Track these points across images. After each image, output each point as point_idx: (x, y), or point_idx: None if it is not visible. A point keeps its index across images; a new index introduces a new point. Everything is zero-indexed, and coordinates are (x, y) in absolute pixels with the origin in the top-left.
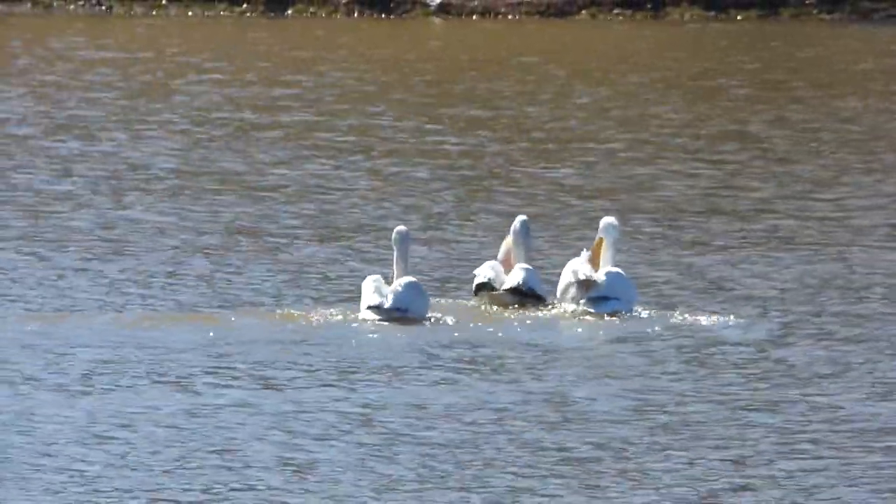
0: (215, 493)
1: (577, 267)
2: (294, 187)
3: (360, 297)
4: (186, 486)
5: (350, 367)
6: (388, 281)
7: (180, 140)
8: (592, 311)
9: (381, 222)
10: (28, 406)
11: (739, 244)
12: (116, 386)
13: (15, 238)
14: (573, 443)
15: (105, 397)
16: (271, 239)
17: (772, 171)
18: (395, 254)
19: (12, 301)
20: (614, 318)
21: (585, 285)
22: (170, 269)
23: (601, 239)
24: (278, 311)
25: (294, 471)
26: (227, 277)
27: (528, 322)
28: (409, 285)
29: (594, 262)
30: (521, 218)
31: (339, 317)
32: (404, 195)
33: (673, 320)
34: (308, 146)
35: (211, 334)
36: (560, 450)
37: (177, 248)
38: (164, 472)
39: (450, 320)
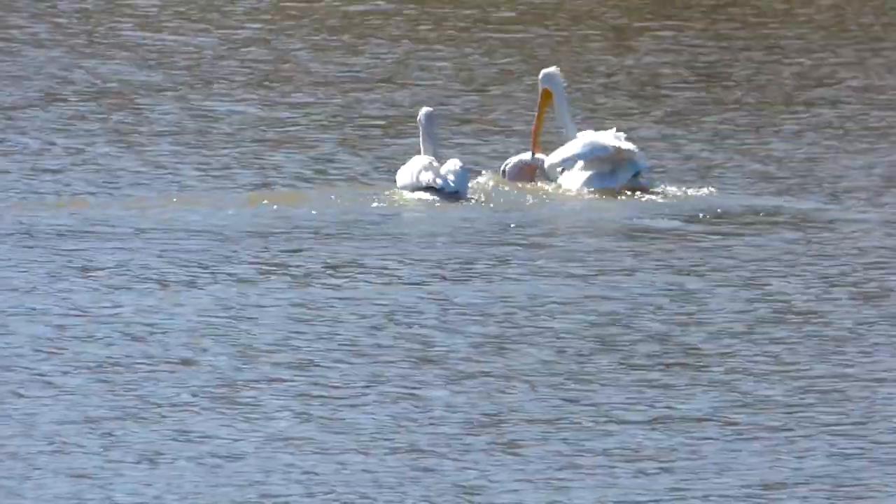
0: (343, 389)
1: (610, 140)
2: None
3: (400, 174)
4: (311, 378)
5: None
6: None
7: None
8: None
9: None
10: (142, 301)
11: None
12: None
13: (107, 132)
14: (689, 338)
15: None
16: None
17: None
18: (421, 135)
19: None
20: (660, 194)
21: (622, 155)
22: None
23: (546, 91)
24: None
25: (419, 361)
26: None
27: (571, 201)
28: (464, 168)
29: (538, 119)
30: None
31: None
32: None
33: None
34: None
35: (311, 212)
36: (679, 345)
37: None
38: (287, 363)
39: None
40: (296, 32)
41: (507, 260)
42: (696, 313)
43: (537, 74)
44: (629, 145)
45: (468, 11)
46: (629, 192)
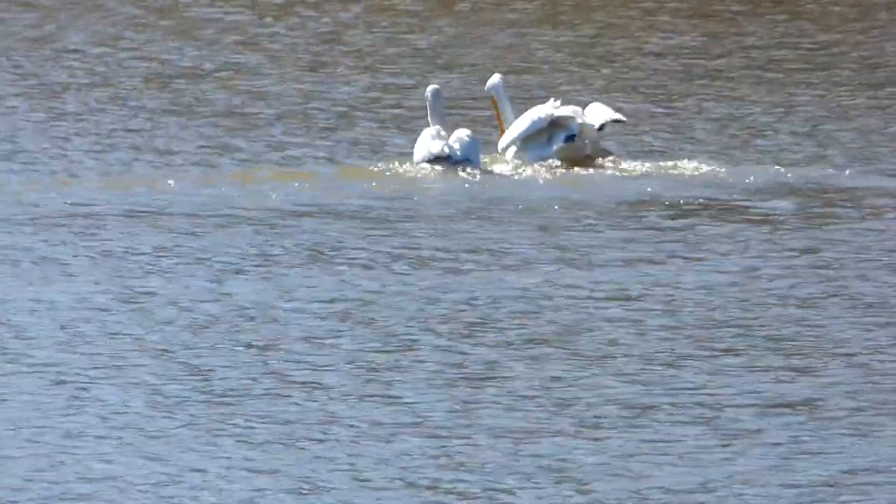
0: (424, 371)
1: (546, 110)
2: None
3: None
4: (390, 362)
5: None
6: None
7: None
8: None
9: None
10: (190, 285)
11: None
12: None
13: (158, 110)
14: (772, 322)
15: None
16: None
17: None
18: (428, 110)
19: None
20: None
21: (559, 122)
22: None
23: (493, 98)
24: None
25: (498, 344)
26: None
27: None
28: (472, 138)
29: (499, 122)
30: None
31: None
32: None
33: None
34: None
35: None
36: (761, 329)
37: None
38: (365, 348)
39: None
40: (351, 10)
41: (568, 245)
42: (779, 297)
43: (592, 55)
44: (565, 111)
45: None
46: (671, 170)
